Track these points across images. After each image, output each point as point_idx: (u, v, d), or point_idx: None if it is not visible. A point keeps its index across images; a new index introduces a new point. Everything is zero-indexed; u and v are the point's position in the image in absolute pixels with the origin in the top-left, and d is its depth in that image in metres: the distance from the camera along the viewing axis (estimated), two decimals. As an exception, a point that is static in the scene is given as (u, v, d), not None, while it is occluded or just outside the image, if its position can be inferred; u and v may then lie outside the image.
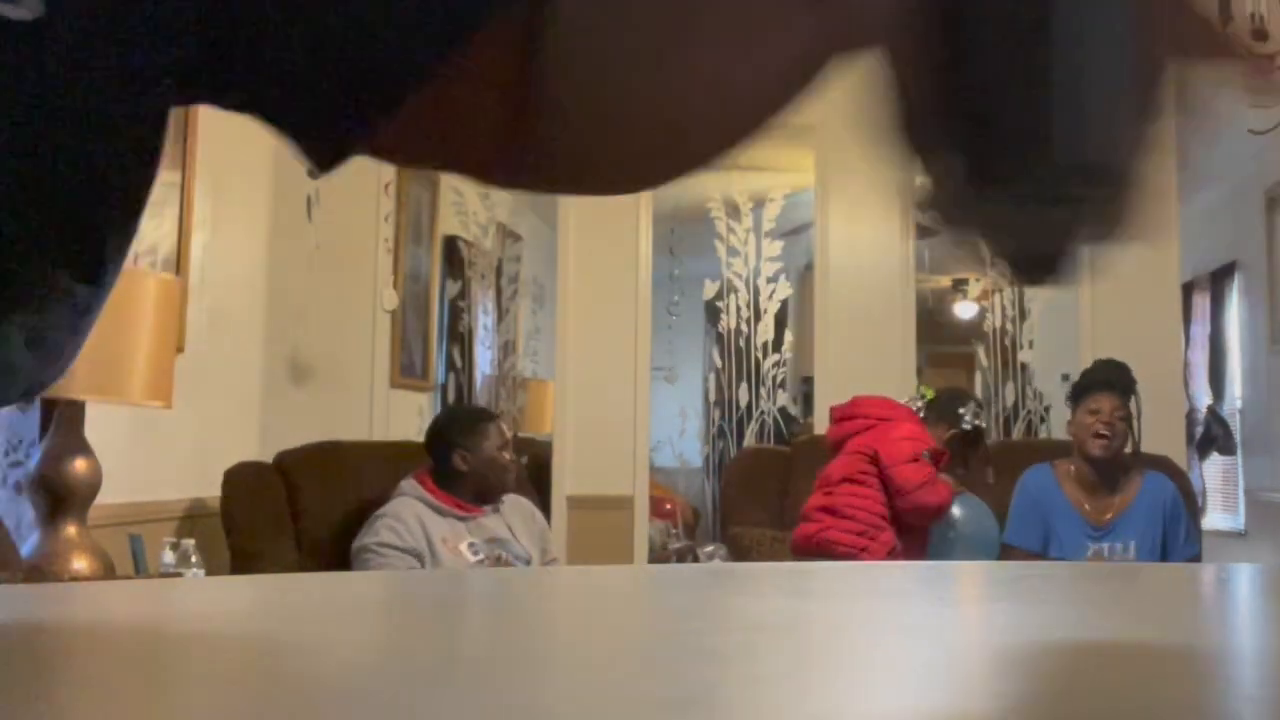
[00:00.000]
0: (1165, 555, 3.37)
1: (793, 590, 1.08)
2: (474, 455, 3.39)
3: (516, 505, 3.55)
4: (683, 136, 0.61)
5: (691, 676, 0.58)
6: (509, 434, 3.57)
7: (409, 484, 3.41)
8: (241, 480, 3.64)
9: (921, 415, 3.71)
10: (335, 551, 3.52)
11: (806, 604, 0.96)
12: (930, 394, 3.81)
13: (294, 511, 3.65)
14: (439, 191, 5.69)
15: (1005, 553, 3.53)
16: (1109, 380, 3.56)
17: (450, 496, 3.38)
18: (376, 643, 0.79)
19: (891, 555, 3.50)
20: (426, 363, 5.57)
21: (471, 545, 3.34)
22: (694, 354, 7.56)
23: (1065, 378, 3.86)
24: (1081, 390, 3.59)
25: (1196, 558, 3.55)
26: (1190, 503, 3.78)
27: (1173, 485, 3.52)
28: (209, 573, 3.07)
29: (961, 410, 3.72)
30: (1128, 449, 3.53)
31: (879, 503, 3.51)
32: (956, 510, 3.60)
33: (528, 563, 3.48)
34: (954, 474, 3.72)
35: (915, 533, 3.58)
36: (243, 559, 3.53)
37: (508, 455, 3.47)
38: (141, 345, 2.72)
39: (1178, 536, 3.41)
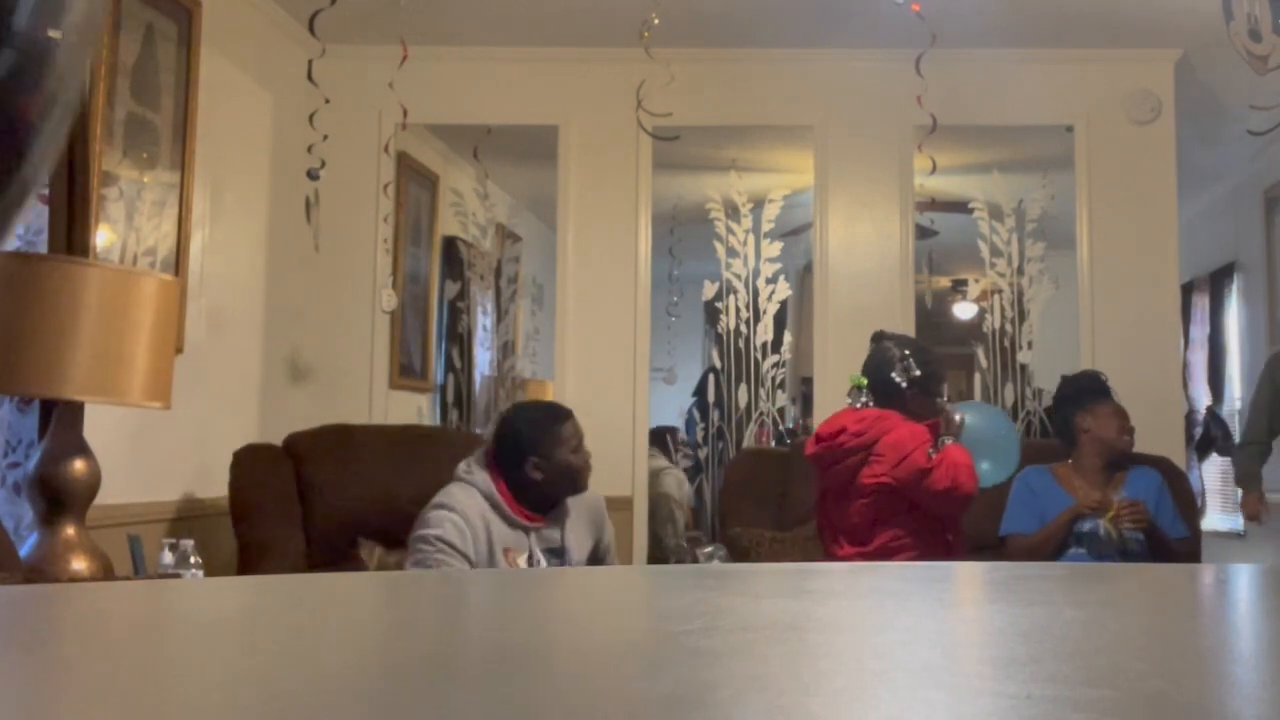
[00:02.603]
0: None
1: (792, 590, 1.08)
2: (549, 462, 3.16)
3: (577, 509, 3.31)
4: None
5: (691, 676, 0.58)
6: (581, 429, 3.30)
7: (482, 477, 3.14)
8: (250, 462, 3.62)
9: (869, 404, 3.47)
10: (343, 534, 3.50)
11: (806, 604, 0.96)
12: (863, 380, 3.50)
13: (302, 493, 3.63)
14: (438, 192, 5.69)
15: (1003, 542, 3.66)
16: (1105, 387, 3.81)
17: (520, 506, 3.15)
18: (376, 643, 0.78)
19: (950, 544, 3.40)
20: (426, 363, 5.57)
21: (530, 558, 3.15)
22: (693, 355, 7.56)
23: (1070, 388, 3.90)
24: (1089, 398, 3.77)
25: (1188, 540, 3.70)
26: (1181, 493, 3.96)
27: (1158, 476, 3.74)
28: (208, 573, 3.07)
29: (894, 375, 3.46)
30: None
31: (914, 522, 3.34)
32: (969, 417, 3.41)
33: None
34: (935, 413, 3.48)
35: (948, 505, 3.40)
36: (249, 542, 3.51)
37: (582, 456, 3.24)
38: (140, 346, 2.72)
39: (1165, 520, 3.62)
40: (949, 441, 3.38)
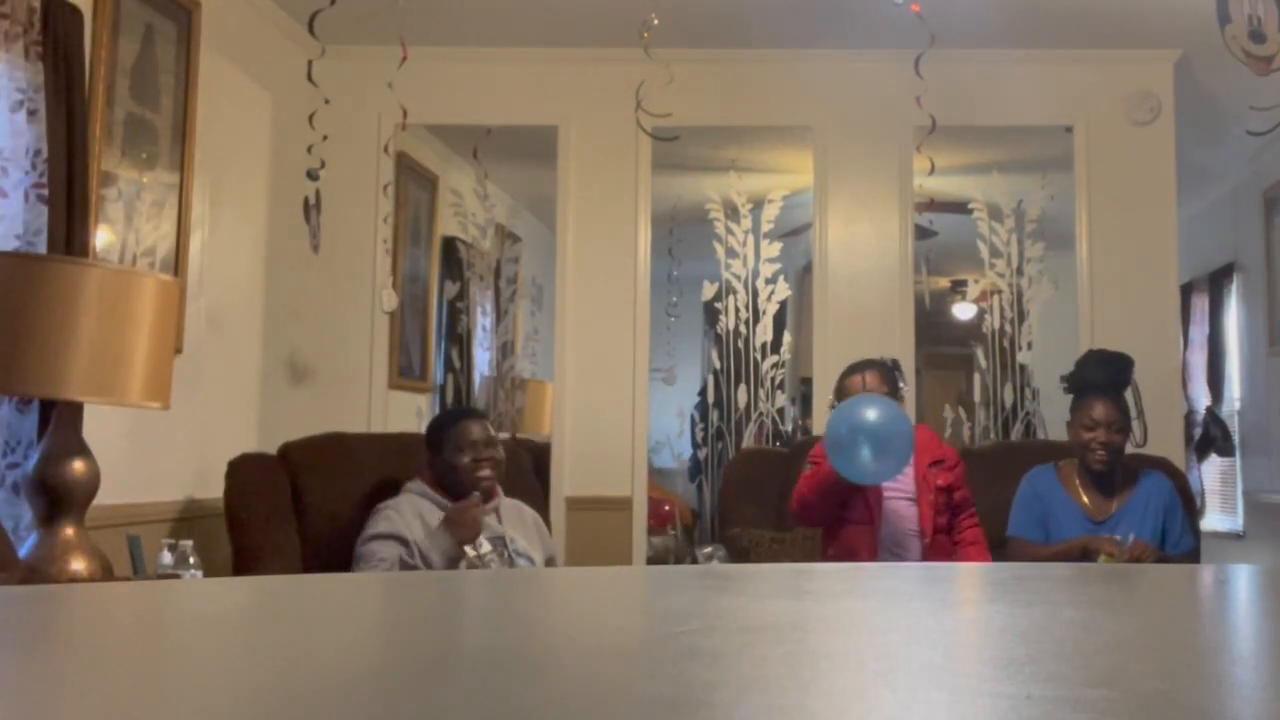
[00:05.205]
0: (1162, 547, 3.51)
1: (792, 590, 1.08)
2: (438, 458, 3.47)
3: (516, 511, 3.58)
4: None
5: (690, 677, 0.58)
6: (481, 435, 3.48)
7: (413, 482, 3.48)
8: (245, 472, 3.62)
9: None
10: (339, 544, 3.50)
11: (806, 604, 0.96)
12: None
13: (297, 502, 3.62)
14: (438, 193, 5.68)
15: (1009, 544, 3.61)
16: (1101, 382, 3.61)
17: (453, 496, 3.42)
18: (376, 643, 0.79)
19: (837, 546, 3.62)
20: (425, 364, 5.56)
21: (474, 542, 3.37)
22: (692, 355, 7.56)
23: (1064, 380, 3.85)
24: (1076, 393, 3.65)
25: (1193, 551, 3.64)
26: (1188, 501, 3.89)
27: (1170, 483, 3.65)
28: (207, 573, 3.07)
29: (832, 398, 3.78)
30: (1129, 448, 3.66)
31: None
32: (869, 411, 3.36)
33: (531, 562, 3.48)
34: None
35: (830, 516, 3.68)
36: (245, 551, 3.51)
37: (467, 458, 3.42)
38: (140, 346, 2.72)
39: (1174, 531, 3.54)
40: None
